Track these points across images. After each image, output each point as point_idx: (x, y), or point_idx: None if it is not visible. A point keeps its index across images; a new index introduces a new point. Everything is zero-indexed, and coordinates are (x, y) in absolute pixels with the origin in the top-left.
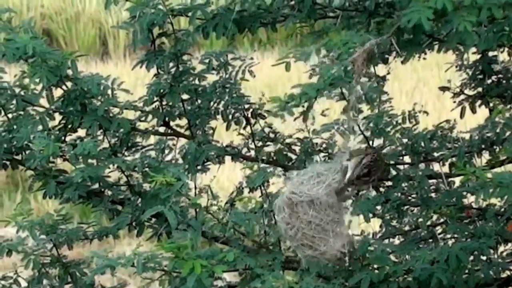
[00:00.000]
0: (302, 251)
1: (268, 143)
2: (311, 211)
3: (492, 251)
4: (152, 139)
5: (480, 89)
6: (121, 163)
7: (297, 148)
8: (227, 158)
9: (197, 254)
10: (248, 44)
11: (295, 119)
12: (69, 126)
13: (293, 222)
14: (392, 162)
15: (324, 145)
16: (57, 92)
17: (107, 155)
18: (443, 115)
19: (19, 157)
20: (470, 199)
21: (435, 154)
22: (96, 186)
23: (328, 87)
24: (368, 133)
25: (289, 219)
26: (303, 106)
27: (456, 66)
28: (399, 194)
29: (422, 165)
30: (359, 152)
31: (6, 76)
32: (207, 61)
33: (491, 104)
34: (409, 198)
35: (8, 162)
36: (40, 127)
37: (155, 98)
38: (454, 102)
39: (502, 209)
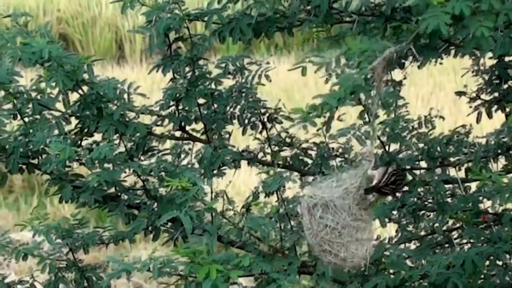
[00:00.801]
0: (324, 257)
1: (284, 147)
2: (329, 215)
3: (508, 256)
4: (168, 144)
5: (496, 94)
6: (137, 168)
7: (313, 153)
8: (243, 163)
9: (213, 258)
10: (264, 48)
11: (318, 130)
12: (85, 130)
13: (313, 226)
14: (408, 167)
15: (340, 150)
16: (73, 96)
17: (123, 160)
18: (459, 120)
19: (35, 161)
20: (486, 204)
21: (451, 159)
22: (112, 190)
23: (348, 96)
24: (384, 138)
25: (308, 223)
26: (324, 116)
27: (473, 71)
28: (415, 199)
29: (438, 170)
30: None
31: (22, 80)
32: (223, 65)
33: (507, 109)
34: (425, 203)
35: (24, 166)
36: (56, 131)
37: (171, 103)
38: (470, 107)
39: None
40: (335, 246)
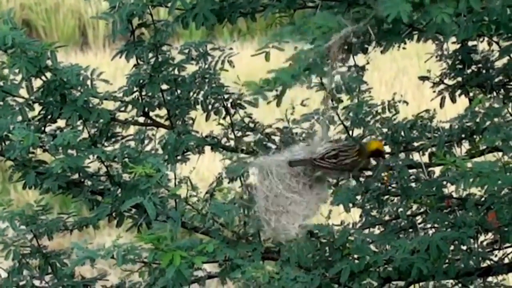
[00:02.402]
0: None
1: (248, 133)
2: (266, 182)
3: (472, 240)
4: (132, 130)
5: (460, 78)
6: (100, 154)
7: (276, 138)
8: (207, 149)
9: (177, 245)
10: (227, 34)
11: (268, 103)
12: (49, 117)
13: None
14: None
15: (304, 135)
16: (37, 83)
17: (86, 146)
18: (423, 105)
19: None
20: (450, 188)
21: (415, 144)
22: (76, 176)
23: (303, 73)
24: (348, 123)
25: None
26: (276, 90)
27: (436, 56)
28: (379, 184)
29: (402, 155)
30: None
31: None
32: (186, 51)
33: (471, 94)
34: (389, 188)
35: None
36: (19, 118)
37: (135, 89)
38: (434, 92)
39: (482, 199)
40: (268, 214)
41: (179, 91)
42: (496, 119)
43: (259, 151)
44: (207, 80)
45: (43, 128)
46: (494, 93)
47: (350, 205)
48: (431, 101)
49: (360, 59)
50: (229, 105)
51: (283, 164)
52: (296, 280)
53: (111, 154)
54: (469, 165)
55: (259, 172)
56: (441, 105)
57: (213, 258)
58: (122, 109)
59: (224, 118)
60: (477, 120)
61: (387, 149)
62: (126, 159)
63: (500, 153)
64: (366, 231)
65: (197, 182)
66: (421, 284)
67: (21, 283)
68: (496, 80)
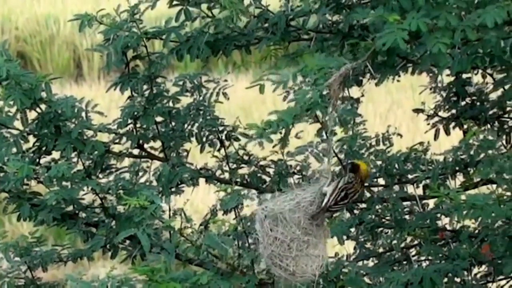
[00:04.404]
0: (275, 271)
1: (242, 165)
2: (279, 228)
3: (466, 273)
4: (126, 162)
5: (454, 111)
6: (95, 186)
7: (271, 170)
8: (201, 181)
9: (171, 277)
10: (222, 66)
11: (273, 146)
12: (43, 149)
13: (264, 239)
14: (366, 184)
15: (298, 167)
16: (31, 115)
17: (81, 178)
18: (417, 137)
19: None
20: (444, 221)
21: (409, 176)
22: (70, 208)
23: (304, 112)
24: (342, 155)
25: (260, 236)
26: (280, 132)
27: (430, 89)
28: (373, 216)
29: (396, 187)
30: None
31: None
32: (181, 83)
33: (465, 126)
34: (383, 220)
35: None
36: (14, 150)
37: (129, 121)
38: (428, 124)
39: (476, 231)
40: (285, 260)
41: (173, 123)
42: (490, 152)
43: (260, 196)
44: (201, 112)
45: (37, 160)
46: (488, 126)
47: (344, 237)
48: (425, 133)
49: (354, 91)
50: (223, 137)
51: (295, 209)
52: None
53: (105, 186)
54: (463, 197)
55: (271, 219)
56: (435, 137)
57: None
58: (117, 141)
59: (219, 150)
60: (471, 152)
61: (381, 181)
62: (121, 191)
63: (494, 186)
64: (360, 263)
65: (192, 214)
66: None
67: None
68: (490, 112)
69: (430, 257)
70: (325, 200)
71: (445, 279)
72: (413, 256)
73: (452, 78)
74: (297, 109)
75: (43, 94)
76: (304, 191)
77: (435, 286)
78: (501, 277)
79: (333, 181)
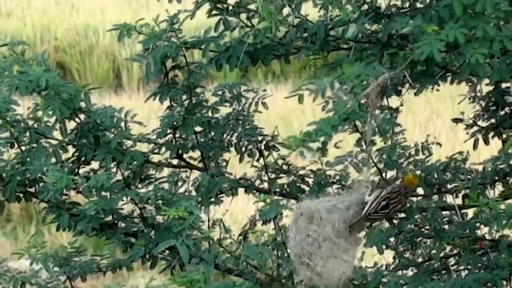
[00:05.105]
0: (302, 270)
1: (281, 175)
2: (313, 226)
3: (505, 282)
4: (166, 172)
5: (493, 120)
6: (134, 196)
7: (310, 180)
8: (240, 191)
9: (210, 287)
10: (261, 76)
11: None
12: (83, 159)
13: (296, 236)
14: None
15: (337, 177)
16: (71, 125)
17: (120, 188)
18: (457, 147)
19: (32, 190)
20: (483, 230)
21: (449, 186)
22: (110, 218)
23: (343, 122)
24: (381, 165)
25: (292, 233)
26: (319, 142)
27: (469, 98)
28: (413, 225)
29: (435, 197)
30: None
31: (19, 108)
32: (220, 93)
33: (504, 136)
34: (423, 229)
35: (21, 195)
36: (53, 160)
37: (168, 131)
38: (467, 133)
39: None
40: (313, 259)
41: (212, 133)
42: None
43: (300, 195)
44: (240, 122)
45: (76, 170)
46: None
47: (384, 247)
48: (464, 142)
49: (393, 101)
50: (262, 147)
51: (332, 209)
52: None
53: (144, 196)
54: (502, 207)
55: (306, 217)
56: (475, 147)
57: None
58: (156, 151)
59: (258, 160)
60: (510, 162)
61: (420, 191)
62: (160, 201)
63: None
64: (399, 272)
65: (231, 224)
66: None
67: None
68: None
69: (469, 267)
70: (366, 208)
71: None
72: (452, 265)
73: (491, 88)
74: (335, 119)
75: (82, 104)
76: (342, 196)
77: None
78: None
79: (375, 190)
